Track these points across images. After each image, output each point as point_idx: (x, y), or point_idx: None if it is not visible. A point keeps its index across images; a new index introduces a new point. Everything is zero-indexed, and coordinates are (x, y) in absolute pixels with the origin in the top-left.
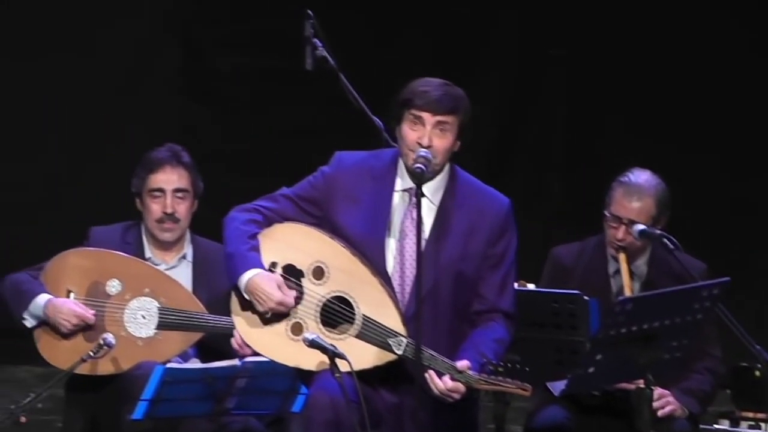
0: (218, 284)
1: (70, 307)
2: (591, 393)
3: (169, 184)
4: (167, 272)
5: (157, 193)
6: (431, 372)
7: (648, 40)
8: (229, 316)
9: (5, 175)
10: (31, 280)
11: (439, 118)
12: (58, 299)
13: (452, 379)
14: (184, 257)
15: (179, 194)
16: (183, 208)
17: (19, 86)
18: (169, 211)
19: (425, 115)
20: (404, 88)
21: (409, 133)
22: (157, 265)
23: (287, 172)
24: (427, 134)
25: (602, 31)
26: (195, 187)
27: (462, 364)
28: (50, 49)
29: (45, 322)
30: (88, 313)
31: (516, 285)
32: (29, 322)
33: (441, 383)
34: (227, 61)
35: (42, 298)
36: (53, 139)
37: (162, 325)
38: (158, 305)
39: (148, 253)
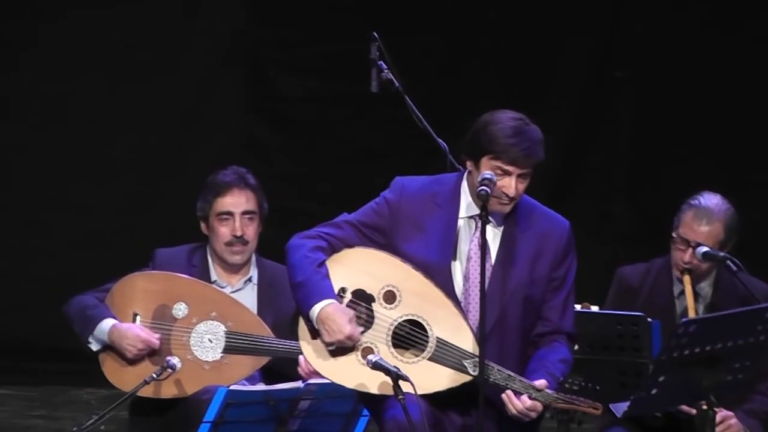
0: (284, 307)
1: (135, 333)
2: (654, 414)
3: (238, 207)
4: (233, 295)
5: (226, 216)
6: (509, 392)
7: (715, 60)
8: (295, 339)
9: (75, 197)
10: (97, 304)
11: (525, 170)
12: (122, 324)
13: (530, 398)
14: (249, 280)
15: (247, 216)
16: (251, 230)
17: (87, 110)
18: (238, 233)
19: (512, 169)
20: (485, 126)
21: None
22: (222, 287)
23: (350, 196)
24: (513, 184)
25: (668, 52)
26: (261, 209)
27: (540, 383)
28: (118, 72)
29: (110, 346)
30: (153, 338)
31: (579, 307)
32: (94, 346)
33: (519, 403)
34: (293, 83)
35: (107, 324)
36: (121, 163)
37: (229, 349)
38: (225, 329)
39: (213, 276)
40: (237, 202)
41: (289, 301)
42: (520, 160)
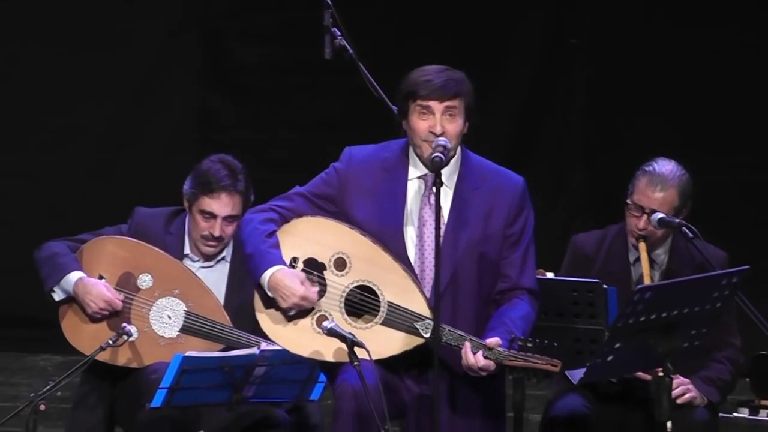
0: (253, 289)
1: (100, 290)
2: (610, 381)
3: (222, 212)
4: (204, 270)
5: (208, 216)
6: (467, 344)
7: (668, 28)
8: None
9: (29, 166)
10: (68, 253)
11: (447, 103)
12: (90, 279)
13: (483, 356)
14: (223, 258)
15: (229, 219)
16: (230, 230)
17: (43, 79)
18: (216, 234)
19: (433, 104)
20: (404, 80)
21: (419, 123)
22: (194, 261)
23: (306, 165)
24: (438, 122)
25: (621, 19)
26: (245, 208)
27: (492, 341)
28: (74, 41)
29: (72, 299)
30: (117, 299)
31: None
32: (57, 295)
33: (473, 357)
34: (248, 51)
35: (74, 275)
36: (77, 131)
37: (186, 330)
38: (185, 308)
39: (186, 249)
40: (222, 207)
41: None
42: (438, 91)
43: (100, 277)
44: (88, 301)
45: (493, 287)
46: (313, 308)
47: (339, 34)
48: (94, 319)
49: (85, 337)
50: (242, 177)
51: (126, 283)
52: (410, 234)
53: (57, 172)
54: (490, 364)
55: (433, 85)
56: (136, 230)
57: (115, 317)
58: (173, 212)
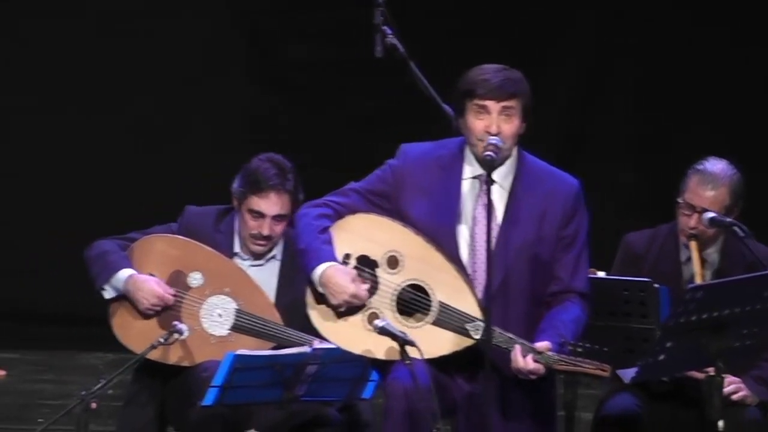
0: (305, 286)
1: (152, 286)
2: (661, 380)
3: (271, 211)
4: (254, 268)
5: (257, 215)
6: (517, 348)
7: (723, 27)
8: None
9: (83, 163)
10: (118, 251)
11: (503, 103)
12: (140, 275)
13: (533, 360)
14: (273, 257)
15: (278, 218)
16: (279, 229)
17: (93, 77)
18: (265, 233)
19: (489, 103)
20: (462, 78)
21: (476, 122)
22: (244, 260)
23: (358, 163)
24: (494, 121)
25: (677, 18)
26: (294, 207)
27: (541, 345)
28: (123, 41)
29: (123, 297)
30: (168, 294)
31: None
32: (108, 293)
33: (522, 361)
34: (297, 49)
35: (125, 272)
36: (126, 128)
37: (236, 328)
38: (236, 306)
39: (236, 247)
40: (271, 206)
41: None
42: (495, 91)
43: (150, 276)
44: (140, 298)
45: (545, 289)
46: (363, 305)
47: (390, 32)
48: (146, 315)
49: (136, 336)
50: (291, 176)
51: (176, 282)
52: (463, 233)
53: (107, 171)
54: (540, 368)
55: (491, 85)
56: (187, 228)
57: (165, 315)
58: (223, 211)
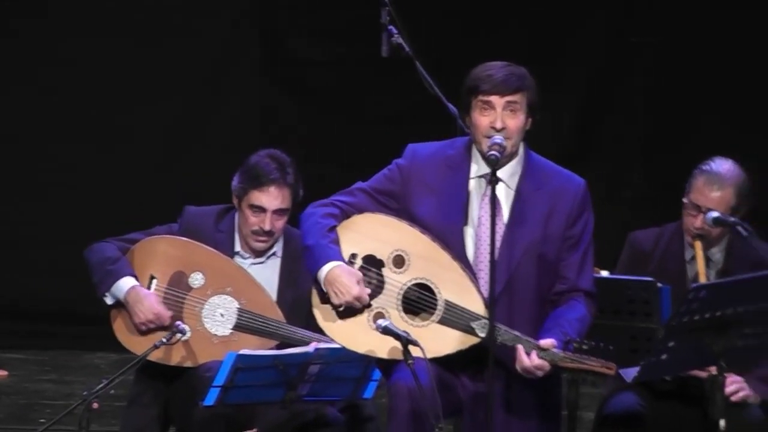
0: (306, 284)
1: (151, 303)
2: (664, 379)
3: (272, 205)
4: (255, 266)
5: (257, 209)
6: (520, 347)
7: (732, 27)
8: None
9: (93, 161)
10: (119, 257)
11: (507, 98)
12: (142, 290)
13: (538, 356)
14: (274, 254)
15: (279, 212)
16: (280, 224)
17: (106, 74)
18: (266, 228)
19: (494, 99)
20: (467, 76)
21: (481, 119)
22: (245, 258)
23: (367, 162)
24: (499, 117)
25: (687, 18)
26: (295, 202)
27: (546, 342)
28: (137, 36)
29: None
30: (166, 315)
31: None
32: (109, 300)
33: (527, 359)
34: (309, 47)
35: (126, 282)
36: (140, 125)
37: (239, 327)
38: (238, 305)
39: (237, 246)
40: (272, 200)
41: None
42: (499, 86)
43: (152, 278)
44: (138, 311)
45: (551, 288)
46: (365, 307)
47: (396, 32)
48: (140, 330)
49: (137, 338)
50: (291, 170)
51: (178, 282)
52: (470, 232)
53: (118, 169)
54: (545, 364)
55: (495, 80)
56: (187, 229)
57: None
58: (223, 210)
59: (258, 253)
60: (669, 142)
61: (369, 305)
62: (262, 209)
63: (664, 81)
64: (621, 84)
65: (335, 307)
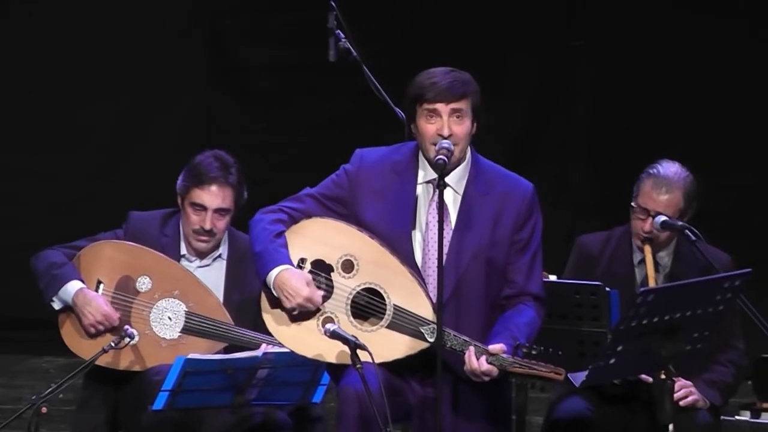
0: (252, 285)
1: (99, 304)
2: (612, 383)
3: (212, 204)
4: (201, 269)
5: (199, 208)
6: (471, 349)
7: (673, 29)
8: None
9: (38, 165)
10: (65, 262)
11: (453, 105)
12: (90, 292)
13: (487, 361)
14: (219, 256)
15: (220, 212)
16: (222, 224)
17: (51, 80)
18: (207, 227)
19: (439, 106)
20: (410, 84)
21: (427, 127)
22: (191, 261)
23: (314, 166)
24: (445, 124)
25: (628, 21)
26: (238, 203)
27: (495, 347)
28: (82, 42)
29: (71, 308)
30: (115, 316)
31: None
32: (57, 305)
33: (475, 361)
34: (254, 52)
35: (73, 286)
36: (84, 131)
37: (187, 330)
38: (186, 308)
39: (183, 250)
40: (213, 199)
41: (257, 280)
42: (444, 93)
43: (99, 283)
44: (86, 313)
45: (500, 293)
46: (318, 310)
47: (343, 36)
48: (89, 332)
49: (86, 343)
50: (234, 170)
51: (125, 287)
52: (417, 237)
53: (64, 173)
54: (493, 370)
55: (439, 87)
56: (132, 234)
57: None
58: (167, 214)
59: (204, 256)
60: (614, 146)
61: (319, 308)
62: (203, 207)
63: (610, 83)
64: (565, 88)
65: (287, 311)
